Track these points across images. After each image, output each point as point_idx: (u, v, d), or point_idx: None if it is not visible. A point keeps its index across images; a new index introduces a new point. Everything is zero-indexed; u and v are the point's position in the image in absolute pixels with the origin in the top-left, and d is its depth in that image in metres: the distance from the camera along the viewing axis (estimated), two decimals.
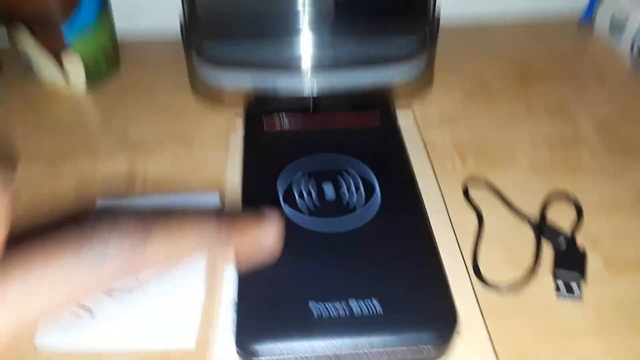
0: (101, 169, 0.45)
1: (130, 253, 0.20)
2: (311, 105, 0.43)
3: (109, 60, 0.55)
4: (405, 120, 0.44)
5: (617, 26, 0.57)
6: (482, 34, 0.63)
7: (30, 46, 0.51)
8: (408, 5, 0.54)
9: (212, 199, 0.41)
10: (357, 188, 0.34)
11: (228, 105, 0.51)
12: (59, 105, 0.53)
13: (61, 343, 0.32)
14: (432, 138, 0.46)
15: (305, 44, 0.51)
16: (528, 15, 0.66)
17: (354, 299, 0.28)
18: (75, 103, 0.53)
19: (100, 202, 0.41)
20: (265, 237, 0.24)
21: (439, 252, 0.31)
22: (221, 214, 0.23)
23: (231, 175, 0.39)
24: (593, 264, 0.35)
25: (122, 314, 0.33)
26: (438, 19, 0.51)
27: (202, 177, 0.44)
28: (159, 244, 0.20)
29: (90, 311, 0.33)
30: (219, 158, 0.45)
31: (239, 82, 0.49)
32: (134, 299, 0.33)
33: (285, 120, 0.41)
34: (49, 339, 0.32)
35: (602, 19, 0.60)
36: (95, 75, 0.54)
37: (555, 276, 0.34)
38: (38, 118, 0.51)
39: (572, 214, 0.39)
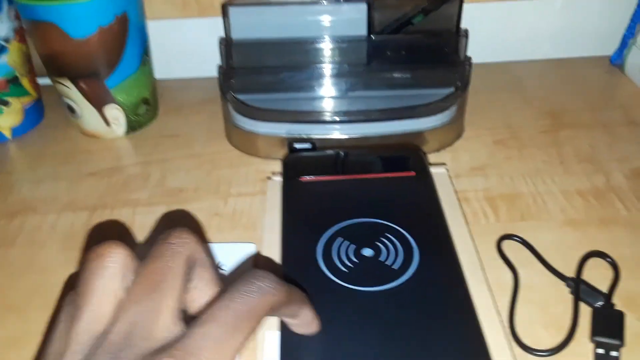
0: (140, 217, 0.46)
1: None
2: (353, 160, 0.44)
3: (148, 108, 0.57)
4: (438, 170, 0.44)
5: None
6: (511, 76, 0.63)
7: (74, 97, 0.53)
8: (439, 53, 0.55)
9: (248, 249, 0.42)
10: (395, 251, 0.35)
11: (262, 154, 0.52)
12: (100, 152, 0.55)
13: None
14: (463, 187, 0.47)
15: (338, 95, 0.53)
16: (557, 56, 0.67)
17: None
18: (115, 150, 0.55)
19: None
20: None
21: (477, 315, 0.31)
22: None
23: (268, 225, 0.40)
24: (632, 324, 0.35)
25: None
26: (469, 66, 0.52)
27: (238, 225, 0.45)
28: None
29: None
30: (253, 207, 0.46)
31: (274, 131, 0.50)
32: None
33: (323, 174, 0.42)
34: None
35: (633, 64, 0.60)
36: (135, 123, 0.56)
37: (595, 344, 0.33)
38: (80, 164, 0.53)
39: (608, 270, 0.39)
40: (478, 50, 0.61)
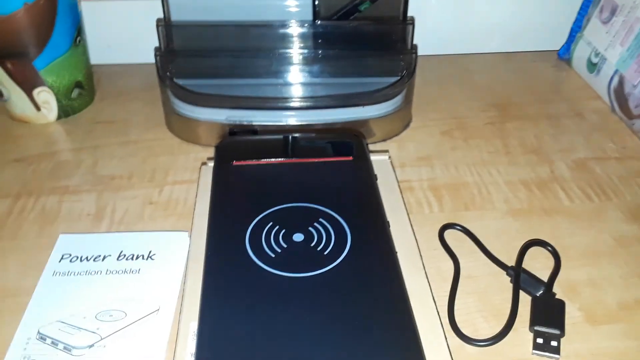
0: (67, 205, 0.43)
1: None
2: (290, 145, 0.42)
3: (82, 93, 0.54)
4: (380, 157, 0.43)
5: (594, 66, 0.57)
6: (461, 69, 0.63)
7: (0, 79, 0.50)
8: (385, 41, 0.53)
9: (180, 238, 0.40)
10: (327, 236, 0.33)
11: (202, 141, 0.50)
12: (29, 138, 0.51)
13: None
14: (408, 177, 0.46)
15: (281, 81, 0.51)
16: (507, 50, 0.66)
17: (317, 352, 0.27)
18: (46, 136, 0.52)
19: (63, 239, 0.40)
20: None
21: (409, 303, 0.30)
22: None
23: (200, 213, 0.38)
24: (572, 314, 0.34)
25: None
26: (415, 55, 0.51)
27: (173, 214, 0.42)
28: None
29: None
30: (190, 195, 0.44)
31: (214, 117, 0.48)
32: (94, 355, 0.31)
33: (257, 158, 0.40)
34: None
35: (579, 58, 0.60)
36: (67, 107, 0.53)
37: (534, 334, 0.32)
38: (6, 150, 0.49)
39: (550, 260, 0.38)
40: (429, 42, 0.61)
